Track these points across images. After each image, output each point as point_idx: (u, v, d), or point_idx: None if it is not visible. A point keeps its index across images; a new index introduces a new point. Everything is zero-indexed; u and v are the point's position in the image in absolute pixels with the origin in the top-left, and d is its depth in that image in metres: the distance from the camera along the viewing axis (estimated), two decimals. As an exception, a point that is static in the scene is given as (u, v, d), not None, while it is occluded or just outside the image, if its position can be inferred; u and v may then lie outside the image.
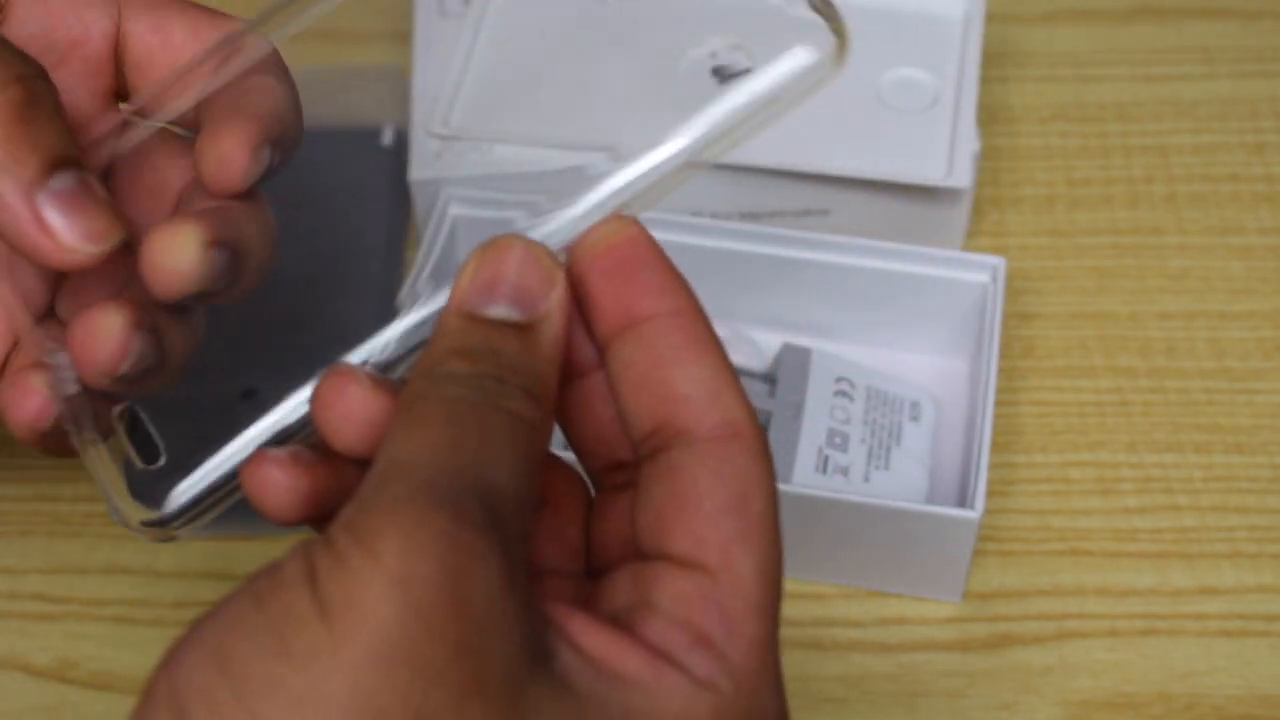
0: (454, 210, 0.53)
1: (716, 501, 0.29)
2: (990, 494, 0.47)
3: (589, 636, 0.28)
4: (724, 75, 0.55)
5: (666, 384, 0.30)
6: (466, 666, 0.25)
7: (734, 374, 0.30)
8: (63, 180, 0.33)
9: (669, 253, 0.51)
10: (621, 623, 0.28)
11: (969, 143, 0.52)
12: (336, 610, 0.25)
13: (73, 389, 0.33)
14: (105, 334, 0.33)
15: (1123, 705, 0.46)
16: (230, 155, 0.35)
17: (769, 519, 0.29)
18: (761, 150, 0.53)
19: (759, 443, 0.29)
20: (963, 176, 0.51)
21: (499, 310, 0.30)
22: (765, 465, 0.29)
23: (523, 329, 0.30)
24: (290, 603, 0.25)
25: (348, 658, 0.25)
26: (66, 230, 0.33)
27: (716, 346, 0.31)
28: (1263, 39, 0.63)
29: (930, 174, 0.52)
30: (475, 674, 0.25)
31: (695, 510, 0.29)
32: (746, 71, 0.51)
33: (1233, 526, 0.50)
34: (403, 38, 0.59)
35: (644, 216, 0.52)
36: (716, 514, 0.29)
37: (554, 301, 0.30)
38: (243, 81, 0.34)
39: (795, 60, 0.32)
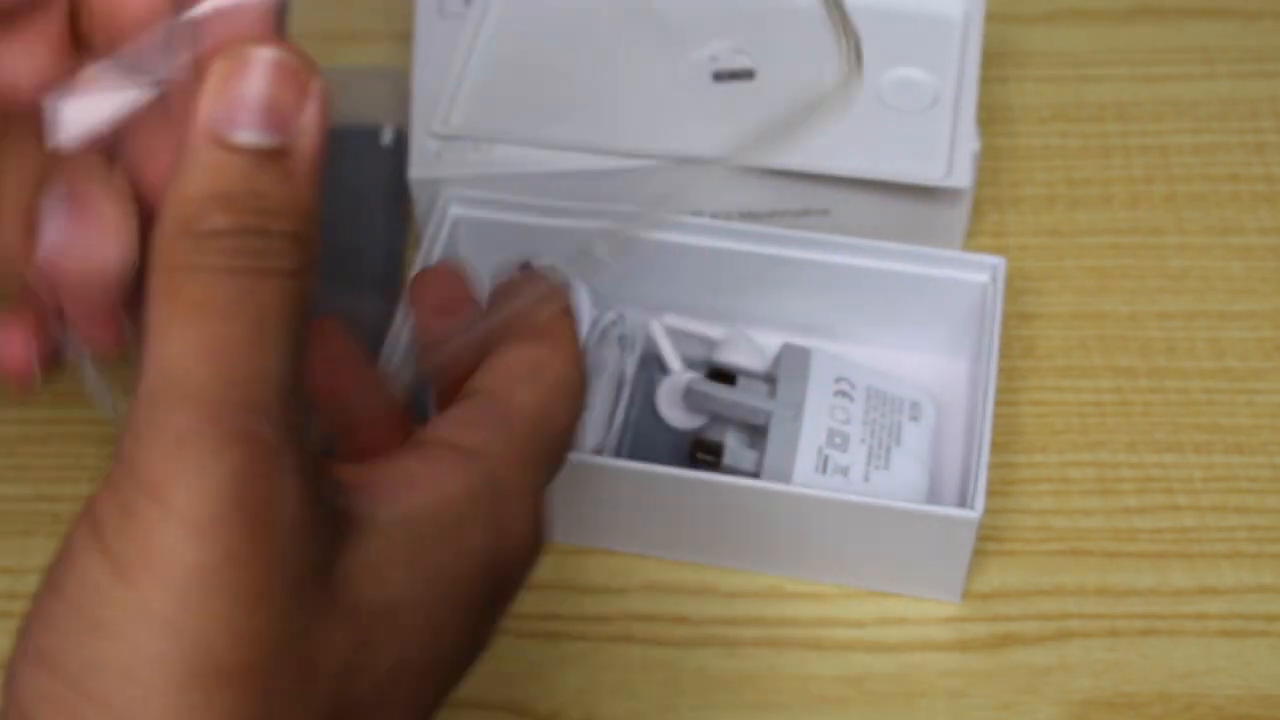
0: (454, 210, 0.53)
1: (518, 357, 0.31)
2: (990, 494, 0.47)
3: (366, 472, 0.28)
4: (724, 77, 0.55)
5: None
6: (273, 579, 0.25)
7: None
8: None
9: (669, 253, 0.52)
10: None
11: (969, 143, 0.52)
12: (134, 568, 0.24)
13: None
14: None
15: (1123, 705, 0.46)
16: None
17: (561, 391, 0.31)
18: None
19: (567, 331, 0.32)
20: (962, 176, 0.51)
21: (248, 136, 0.27)
22: (569, 351, 0.32)
23: (280, 155, 0.28)
24: (83, 574, 0.24)
25: (158, 612, 0.24)
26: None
27: None
28: (1263, 39, 0.63)
29: (930, 174, 0.52)
30: (283, 583, 0.25)
31: (496, 360, 0.31)
32: (748, 74, 0.51)
33: (1233, 526, 0.50)
34: (403, 38, 0.59)
35: (642, 214, 0.52)
36: (514, 363, 0.31)
37: (310, 117, 0.29)
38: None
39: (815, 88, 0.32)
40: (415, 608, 0.27)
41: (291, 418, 0.26)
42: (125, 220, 0.29)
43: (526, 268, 0.52)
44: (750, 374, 0.51)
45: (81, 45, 0.32)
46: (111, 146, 0.31)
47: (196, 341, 0.25)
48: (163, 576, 0.24)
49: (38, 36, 0.31)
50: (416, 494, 0.28)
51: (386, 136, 0.58)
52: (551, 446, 0.31)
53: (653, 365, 0.52)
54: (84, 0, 0.31)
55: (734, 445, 0.48)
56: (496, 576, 0.29)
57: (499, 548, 0.29)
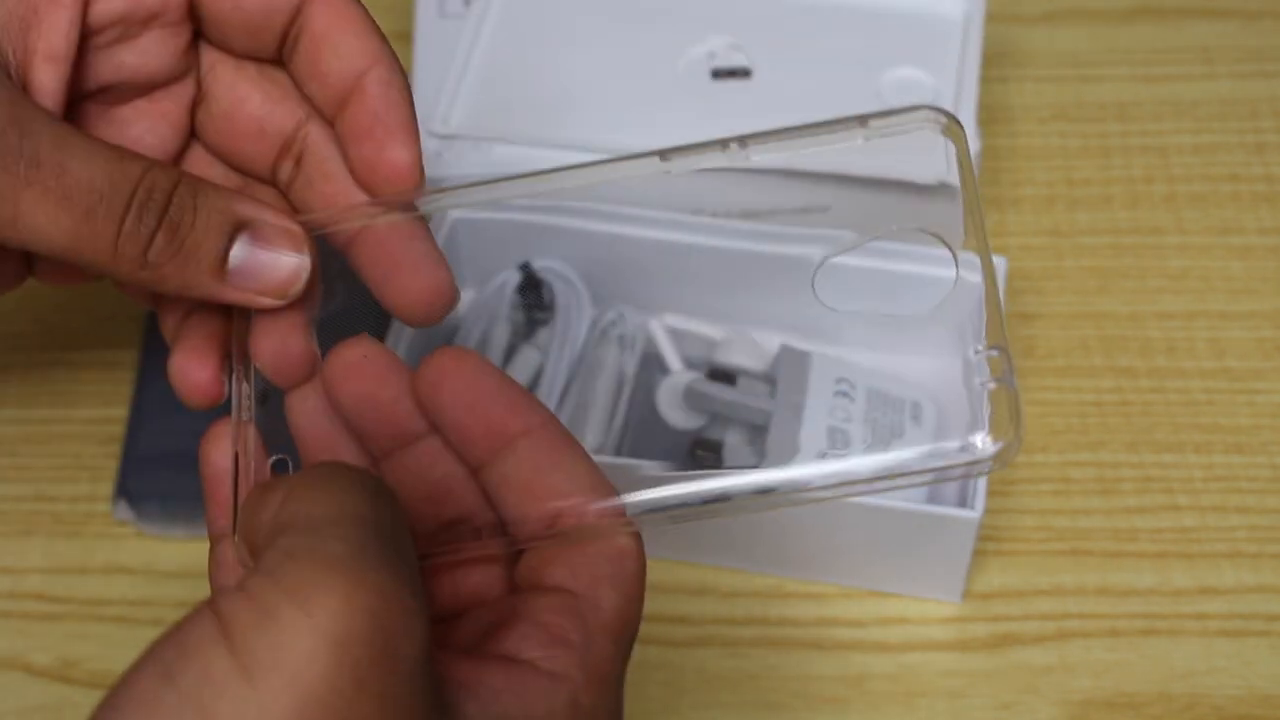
0: (454, 210, 0.52)
1: (598, 549, 0.31)
2: (990, 494, 0.47)
3: (460, 668, 0.29)
4: (721, 74, 0.55)
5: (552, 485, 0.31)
6: (391, 714, 0.25)
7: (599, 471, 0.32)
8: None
9: (669, 252, 0.52)
10: (486, 645, 0.30)
11: (969, 142, 0.52)
12: (261, 669, 0.24)
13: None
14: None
15: (1123, 705, 0.46)
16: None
17: (637, 586, 0.32)
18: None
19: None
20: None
21: None
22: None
23: None
24: (206, 667, 0.24)
25: (277, 714, 0.24)
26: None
27: (581, 449, 0.32)
28: (1263, 39, 0.63)
29: (930, 172, 0.52)
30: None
31: (576, 550, 0.31)
32: (745, 71, 0.51)
33: (1233, 526, 0.50)
34: (403, 38, 0.59)
35: (640, 214, 0.52)
36: (595, 556, 0.31)
37: None
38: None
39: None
40: None
41: (419, 576, 0.27)
42: (298, 235, 0.33)
43: (526, 267, 0.52)
44: (750, 374, 0.51)
45: (195, 133, 0.36)
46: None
47: (340, 497, 0.27)
48: (289, 681, 0.24)
49: (162, 115, 0.35)
50: (504, 704, 0.29)
51: (386, 136, 0.58)
52: (630, 646, 0.32)
53: (653, 365, 0.52)
54: (206, 94, 0.35)
55: (734, 445, 0.48)
56: None
57: None
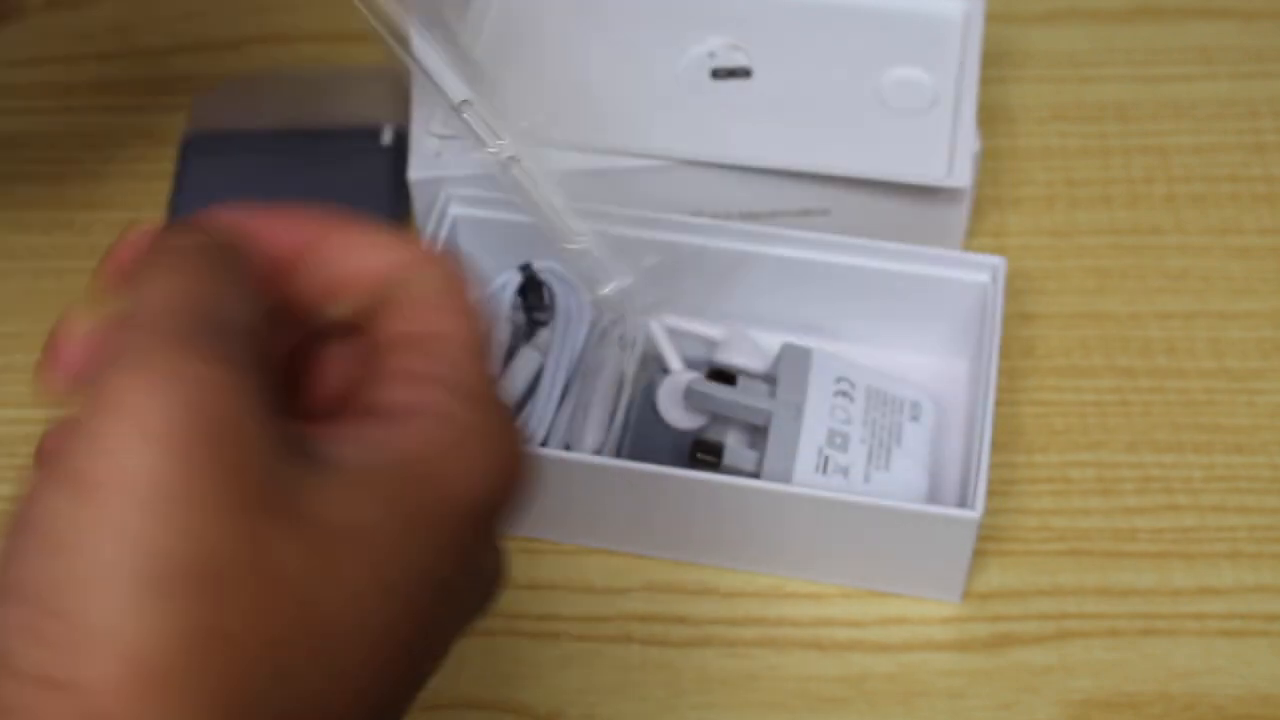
0: (454, 210, 0.53)
1: (422, 292, 0.30)
2: (990, 494, 0.47)
3: (328, 427, 0.28)
4: (721, 75, 0.55)
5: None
6: (234, 487, 0.25)
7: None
8: None
9: (669, 252, 0.52)
10: (354, 404, 0.29)
11: (969, 143, 0.52)
12: (93, 485, 0.24)
13: None
14: None
15: (1123, 705, 0.46)
16: None
17: (465, 299, 0.30)
18: (762, 150, 0.53)
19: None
20: (962, 176, 0.51)
21: None
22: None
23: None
24: (45, 503, 0.25)
25: (117, 519, 0.24)
26: None
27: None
28: (1262, 39, 0.63)
29: (930, 174, 0.52)
30: (245, 491, 0.25)
31: (402, 297, 0.30)
32: (745, 72, 0.51)
33: (1233, 526, 0.50)
34: (400, 40, 0.59)
35: (640, 214, 0.52)
36: (434, 295, 0.30)
37: None
38: None
39: None
40: (387, 532, 0.27)
41: (257, 348, 0.27)
42: None
43: (526, 267, 0.52)
44: (750, 374, 0.51)
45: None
46: None
47: (150, 292, 0.27)
48: (122, 487, 0.24)
49: None
50: (382, 447, 0.28)
51: (386, 136, 0.58)
52: (488, 354, 0.31)
53: (653, 365, 0.52)
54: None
55: (734, 445, 0.48)
56: (475, 512, 0.29)
57: (468, 494, 0.29)
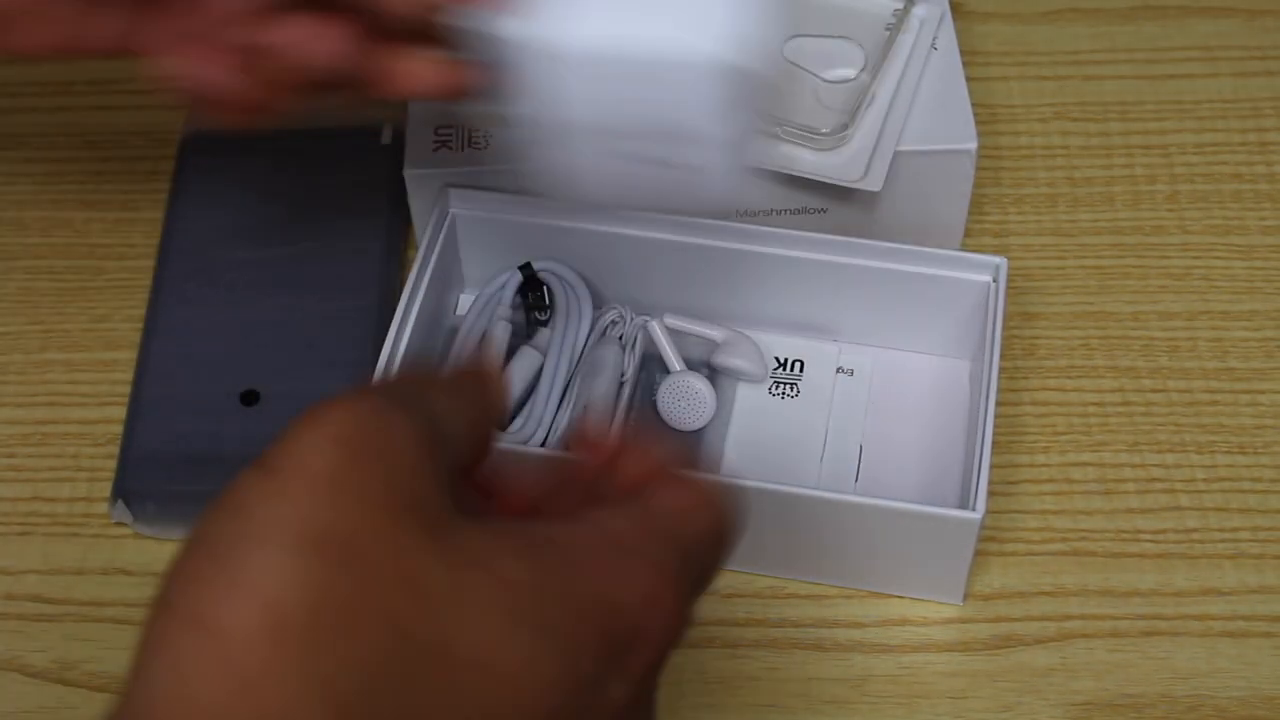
0: (453, 209, 0.52)
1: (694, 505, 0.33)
2: (992, 495, 0.47)
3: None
4: None
5: None
6: (395, 496, 0.28)
7: None
8: None
9: (669, 252, 0.52)
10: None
11: (891, 146, 0.52)
12: (278, 468, 0.28)
13: None
14: None
15: (1125, 706, 0.46)
16: None
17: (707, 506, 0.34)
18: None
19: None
20: (877, 180, 0.51)
21: None
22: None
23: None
24: (239, 483, 0.28)
25: (291, 493, 0.27)
26: None
27: None
28: (1265, 37, 0.63)
29: (847, 175, 0.51)
30: (404, 502, 0.28)
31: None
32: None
33: (1235, 527, 0.49)
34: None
35: (640, 214, 0.52)
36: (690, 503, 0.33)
37: None
38: None
39: None
40: (523, 585, 0.29)
41: (449, 438, 0.31)
42: None
43: (526, 267, 0.52)
44: (750, 375, 0.51)
45: None
46: None
47: (408, 380, 0.34)
48: (299, 470, 0.28)
49: None
50: (540, 527, 0.31)
51: (386, 136, 0.58)
52: (692, 548, 0.33)
53: (653, 365, 0.52)
54: None
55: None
56: (610, 627, 0.30)
57: (613, 598, 0.30)
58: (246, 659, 0.26)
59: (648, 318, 0.51)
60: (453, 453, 0.31)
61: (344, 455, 0.28)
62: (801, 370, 0.52)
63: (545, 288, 0.52)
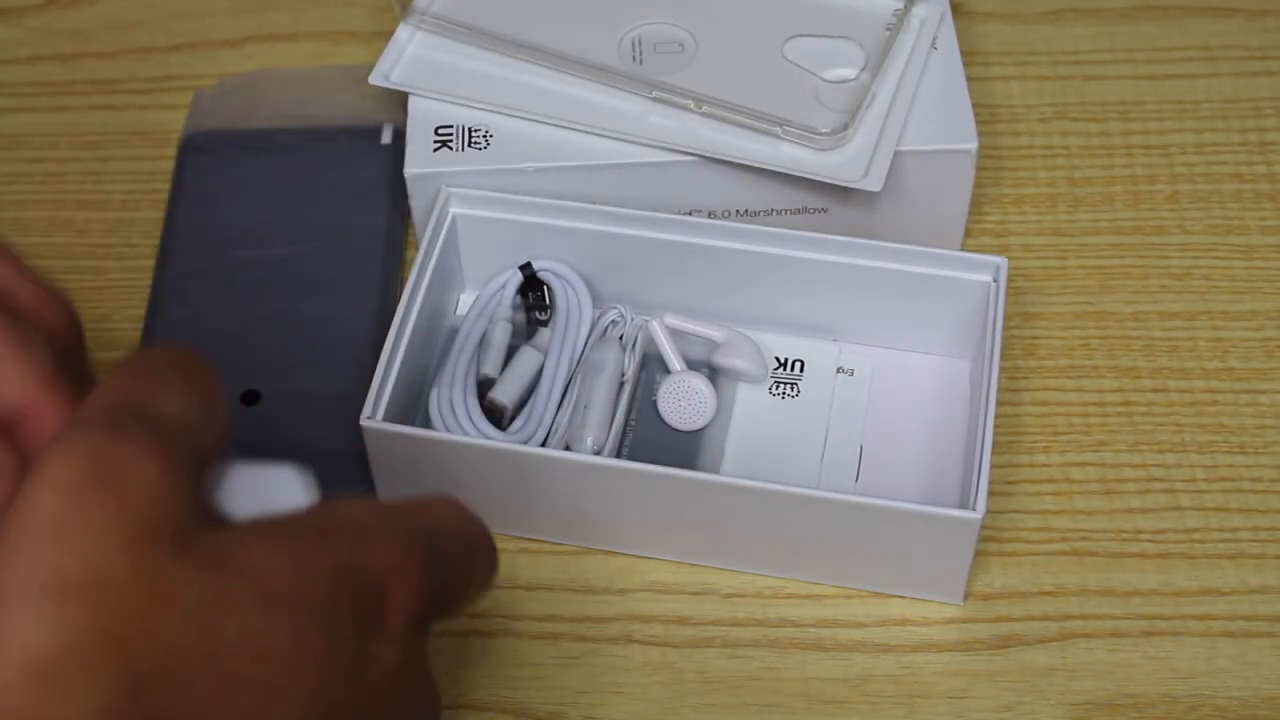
0: (454, 209, 0.52)
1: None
2: (992, 494, 0.47)
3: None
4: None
5: None
6: (134, 522, 0.29)
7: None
8: None
9: (669, 252, 0.52)
10: None
11: (891, 146, 0.51)
12: (6, 525, 0.29)
13: None
14: None
15: (1126, 706, 0.46)
16: None
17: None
18: (690, 139, 0.52)
19: None
20: (877, 180, 0.51)
21: None
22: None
23: None
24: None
25: (24, 548, 0.28)
26: None
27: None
28: (1265, 37, 0.63)
29: (847, 175, 0.51)
30: (145, 525, 0.29)
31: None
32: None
33: (1236, 527, 0.49)
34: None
35: (640, 214, 0.52)
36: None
37: None
38: None
39: None
40: (284, 575, 0.31)
41: (180, 434, 0.31)
42: None
43: (526, 267, 0.52)
44: (749, 375, 0.51)
45: None
46: None
47: (116, 385, 0.32)
48: (27, 524, 0.29)
49: None
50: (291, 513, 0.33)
51: (386, 136, 0.58)
52: (434, 538, 0.34)
53: (653, 365, 0.52)
54: None
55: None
56: (361, 593, 0.32)
57: (358, 564, 0.32)
58: (12, 705, 0.27)
59: (648, 318, 0.51)
60: (194, 446, 0.32)
61: (64, 496, 0.29)
62: (801, 370, 0.52)
63: (545, 288, 0.52)
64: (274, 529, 0.32)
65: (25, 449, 0.33)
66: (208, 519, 0.31)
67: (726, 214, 0.54)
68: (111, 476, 0.29)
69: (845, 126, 0.51)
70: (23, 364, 0.34)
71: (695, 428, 0.50)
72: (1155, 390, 0.53)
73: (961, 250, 0.55)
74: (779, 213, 0.54)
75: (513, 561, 0.49)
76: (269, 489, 0.34)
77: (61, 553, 0.28)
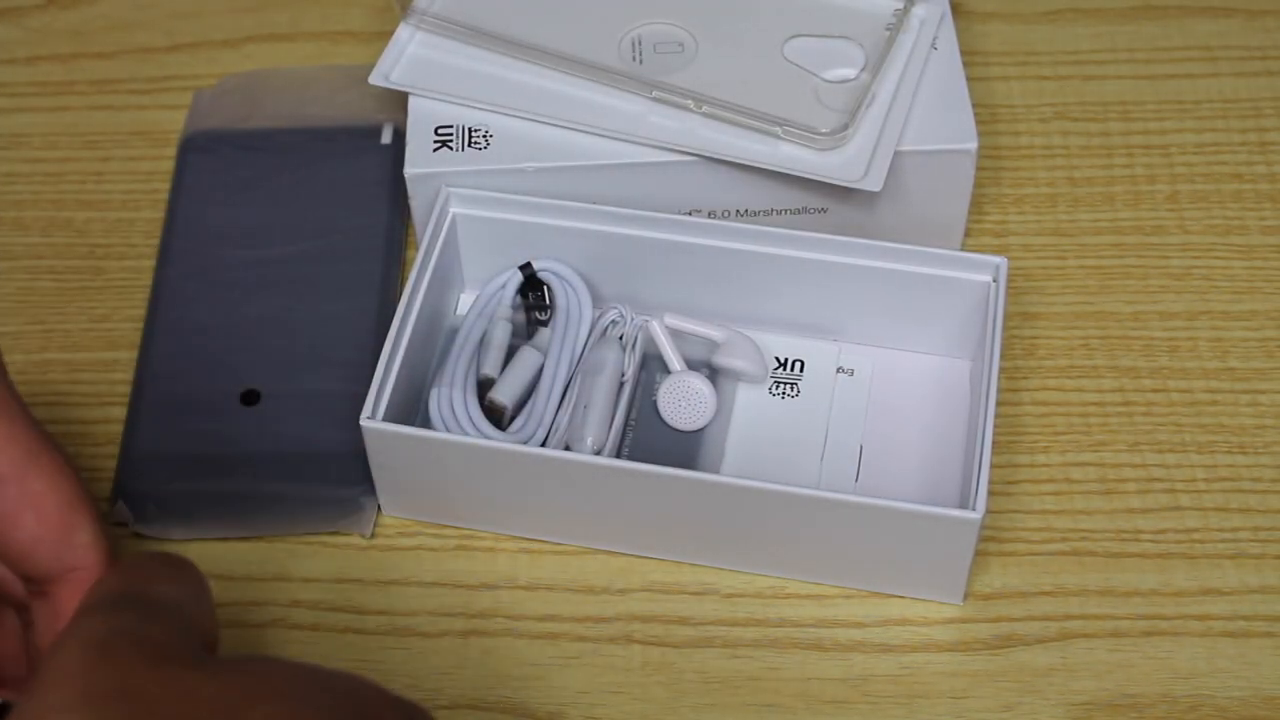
0: (454, 209, 0.52)
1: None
2: (992, 494, 0.47)
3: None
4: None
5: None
6: (155, 651, 0.33)
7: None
8: None
9: (669, 252, 0.52)
10: None
11: (891, 146, 0.51)
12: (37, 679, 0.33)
13: None
14: None
15: (1126, 706, 0.46)
16: None
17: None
18: (688, 138, 0.52)
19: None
20: (877, 180, 0.51)
21: None
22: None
23: None
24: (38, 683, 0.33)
25: (53, 677, 0.32)
26: None
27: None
28: (1265, 37, 0.63)
29: (847, 175, 0.51)
30: (164, 652, 0.33)
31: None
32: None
33: (1236, 527, 0.49)
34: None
35: (640, 214, 0.52)
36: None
37: None
38: None
39: None
40: (292, 681, 0.33)
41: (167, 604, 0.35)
42: None
43: (526, 267, 0.52)
44: (749, 375, 0.51)
45: None
46: None
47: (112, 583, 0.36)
48: (64, 667, 0.33)
49: None
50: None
51: (386, 136, 0.58)
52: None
53: (653, 365, 0.52)
54: None
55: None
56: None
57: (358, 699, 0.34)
58: None
59: (648, 318, 0.51)
60: (190, 622, 0.35)
61: (90, 649, 0.33)
62: (801, 370, 0.52)
63: (545, 288, 0.52)
64: (281, 659, 0.35)
65: None
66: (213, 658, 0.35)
67: (726, 214, 0.54)
68: (125, 634, 0.33)
69: (845, 126, 0.51)
70: None
71: (695, 428, 0.50)
72: (1155, 390, 0.53)
73: (961, 250, 0.55)
74: (779, 213, 0.54)
75: (513, 561, 0.49)
76: None
77: (94, 677, 0.32)
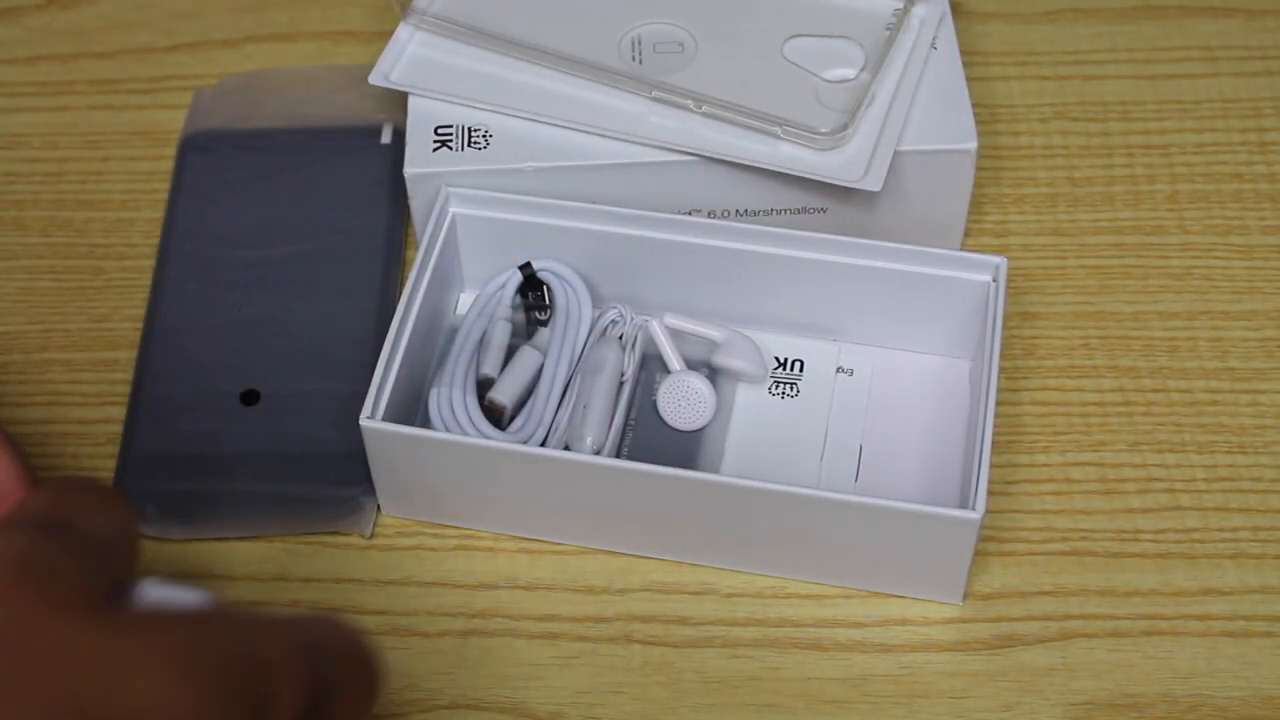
0: (454, 209, 0.52)
1: None
2: (992, 494, 0.47)
3: None
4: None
5: None
6: (52, 594, 0.32)
7: None
8: None
9: (669, 252, 0.52)
10: None
11: (891, 145, 0.51)
12: None
13: None
14: None
15: (1126, 706, 0.46)
16: None
17: None
18: (686, 138, 0.52)
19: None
20: (877, 180, 0.51)
21: None
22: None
23: None
24: None
25: None
26: None
27: None
28: (1265, 37, 0.63)
29: (847, 175, 0.51)
30: (61, 596, 0.32)
31: None
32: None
33: (1236, 527, 0.49)
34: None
35: (640, 214, 0.52)
36: None
37: None
38: None
39: None
40: (181, 645, 0.32)
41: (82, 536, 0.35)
42: None
43: (526, 267, 0.52)
44: (749, 375, 0.51)
45: None
46: None
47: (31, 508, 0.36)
48: None
49: None
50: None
51: (386, 136, 0.58)
52: (322, 648, 0.35)
53: (653, 365, 0.52)
54: None
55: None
56: (255, 680, 0.33)
57: (254, 654, 0.33)
58: None
59: (648, 318, 0.51)
60: (109, 559, 0.35)
61: (2, 578, 0.32)
62: (801, 370, 0.52)
63: (545, 288, 0.52)
64: (176, 611, 0.34)
65: None
66: (118, 603, 0.34)
67: (726, 214, 0.54)
68: (39, 563, 0.33)
69: (845, 126, 0.51)
70: None
71: (695, 428, 0.50)
72: (1155, 390, 0.53)
73: (961, 250, 0.55)
74: (779, 212, 0.54)
75: (512, 561, 0.49)
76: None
77: None
